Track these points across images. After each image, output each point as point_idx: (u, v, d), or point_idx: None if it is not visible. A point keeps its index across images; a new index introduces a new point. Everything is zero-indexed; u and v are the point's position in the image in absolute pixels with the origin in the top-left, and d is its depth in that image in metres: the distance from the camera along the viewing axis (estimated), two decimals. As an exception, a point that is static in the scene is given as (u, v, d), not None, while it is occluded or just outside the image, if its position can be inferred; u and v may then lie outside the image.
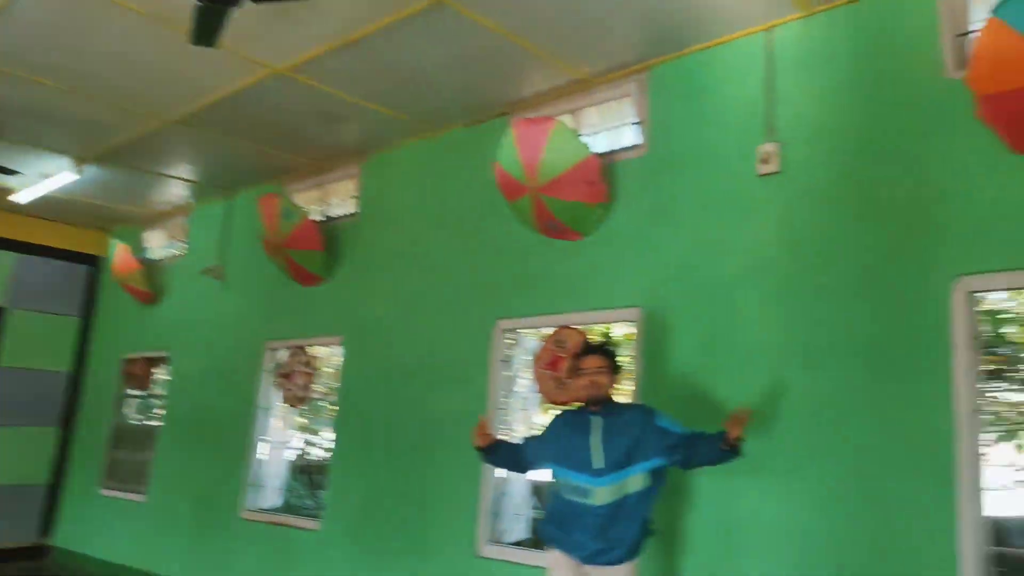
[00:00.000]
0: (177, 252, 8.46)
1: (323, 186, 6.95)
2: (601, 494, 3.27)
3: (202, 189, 7.71)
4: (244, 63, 4.88)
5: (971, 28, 3.72)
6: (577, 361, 3.54)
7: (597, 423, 3.41)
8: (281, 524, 6.28)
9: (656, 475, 3.37)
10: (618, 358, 3.57)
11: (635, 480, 3.28)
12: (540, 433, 3.73)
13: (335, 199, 6.88)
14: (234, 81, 5.16)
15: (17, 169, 6.32)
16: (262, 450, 6.79)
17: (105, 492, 8.25)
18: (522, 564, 4.62)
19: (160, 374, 8.35)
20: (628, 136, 4.87)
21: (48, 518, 8.72)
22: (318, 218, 6.79)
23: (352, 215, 6.60)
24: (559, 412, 3.77)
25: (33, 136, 6.26)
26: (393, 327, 5.91)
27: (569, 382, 4.31)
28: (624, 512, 3.28)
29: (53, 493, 8.78)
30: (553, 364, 4.71)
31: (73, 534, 8.49)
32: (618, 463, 3.28)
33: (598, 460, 3.29)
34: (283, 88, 5.20)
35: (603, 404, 3.45)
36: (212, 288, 7.62)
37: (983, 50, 3.16)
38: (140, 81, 5.23)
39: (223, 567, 6.62)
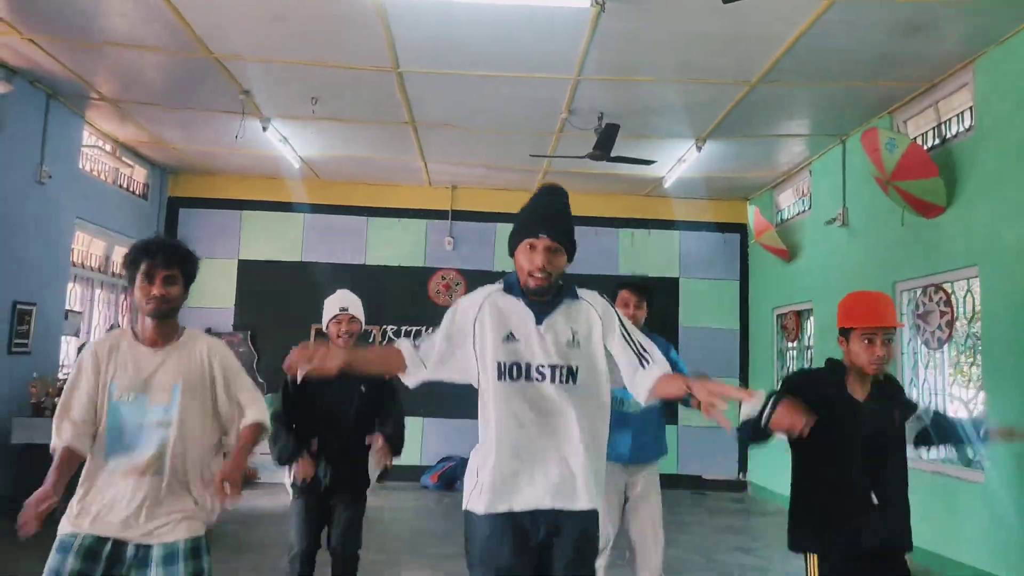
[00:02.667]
0: (804, 207, 8.69)
1: (935, 105, 6.23)
2: (635, 403, 3.39)
3: (816, 141, 7.76)
4: (794, 3, 4.83)
5: None
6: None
7: None
8: (942, 473, 5.90)
9: None
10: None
11: None
12: None
13: (951, 116, 6.09)
14: (793, 25, 5.14)
15: (652, 159, 7.50)
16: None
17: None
18: None
19: (808, 324, 8.69)
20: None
21: (743, 456, 9.96)
22: (930, 142, 6.13)
23: (968, 129, 5.76)
24: None
25: (655, 128, 7.32)
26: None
27: None
28: (650, 419, 4.00)
29: (743, 435, 9.99)
30: None
31: (762, 471, 9.48)
32: None
33: None
34: (849, 13, 4.94)
35: None
36: (839, 236, 7.60)
37: None
38: (710, 55, 5.65)
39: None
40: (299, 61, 6.05)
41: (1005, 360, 5.22)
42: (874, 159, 6.08)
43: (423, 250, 10.01)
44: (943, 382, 6.20)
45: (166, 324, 2.73)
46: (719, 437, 9.95)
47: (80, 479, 2.66)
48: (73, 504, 2.64)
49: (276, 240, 9.86)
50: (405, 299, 9.65)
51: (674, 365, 3.89)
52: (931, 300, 6.15)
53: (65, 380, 6.91)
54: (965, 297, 5.87)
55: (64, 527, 2.62)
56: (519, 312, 2.55)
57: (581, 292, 2.62)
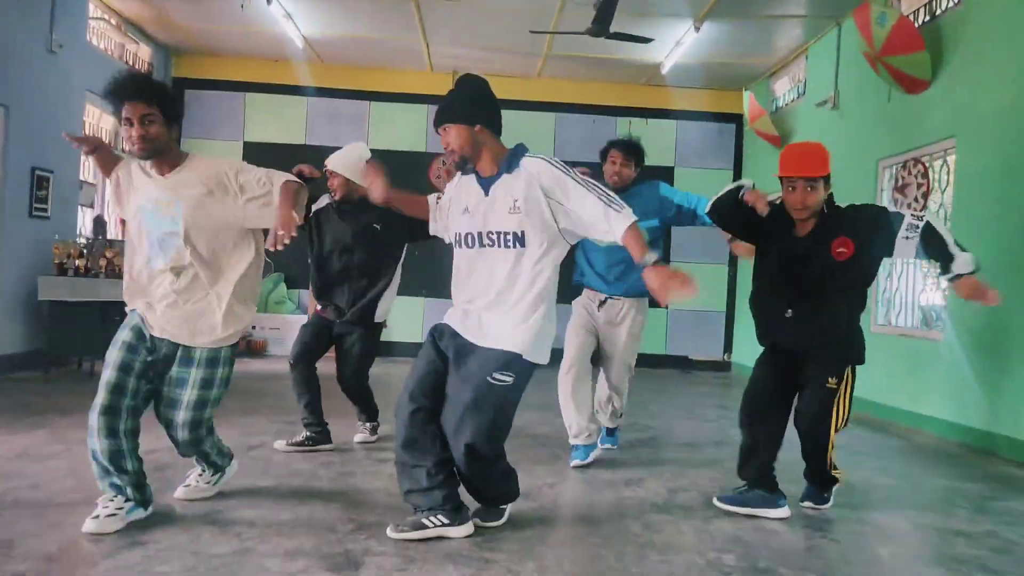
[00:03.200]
0: (799, 94, 8.87)
1: (929, -19, 6.38)
2: None
3: (813, 23, 7.88)
4: None
5: None
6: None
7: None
8: (907, 336, 6.34)
9: (652, 232, 4.04)
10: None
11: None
12: None
13: (942, -8, 6.25)
14: None
15: (650, 37, 7.62)
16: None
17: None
18: None
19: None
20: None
21: (728, 338, 10.46)
22: (921, 19, 6.30)
23: (958, 3, 5.93)
24: None
25: (653, 3, 7.41)
26: (1011, 120, 5.23)
27: None
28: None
29: (729, 318, 10.47)
30: None
31: (746, 352, 9.99)
32: None
33: None
34: None
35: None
36: (829, 118, 7.83)
37: None
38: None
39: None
40: (305, -73, 6.15)
41: (972, 225, 5.56)
42: (865, 34, 6.27)
43: (424, 135, 10.21)
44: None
45: (164, 159, 2.94)
46: (706, 320, 10.44)
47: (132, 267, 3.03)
48: (128, 282, 3.03)
49: (280, 123, 10.04)
50: (406, 183, 9.61)
51: (668, 201, 4.28)
52: (910, 174, 6.46)
53: (84, 246, 7.26)
54: (941, 169, 6.18)
55: (128, 299, 3.05)
56: (472, 187, 2.94)
57: (525, 161, 2.87)
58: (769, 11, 7.58)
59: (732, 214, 3.47)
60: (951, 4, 6.07)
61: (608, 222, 2.75)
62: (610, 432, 4.68)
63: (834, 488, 3.58)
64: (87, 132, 8.03)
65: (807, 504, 3.55)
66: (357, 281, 4.40)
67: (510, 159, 2.88)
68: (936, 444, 5.53)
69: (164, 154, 2.95)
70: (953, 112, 5.89)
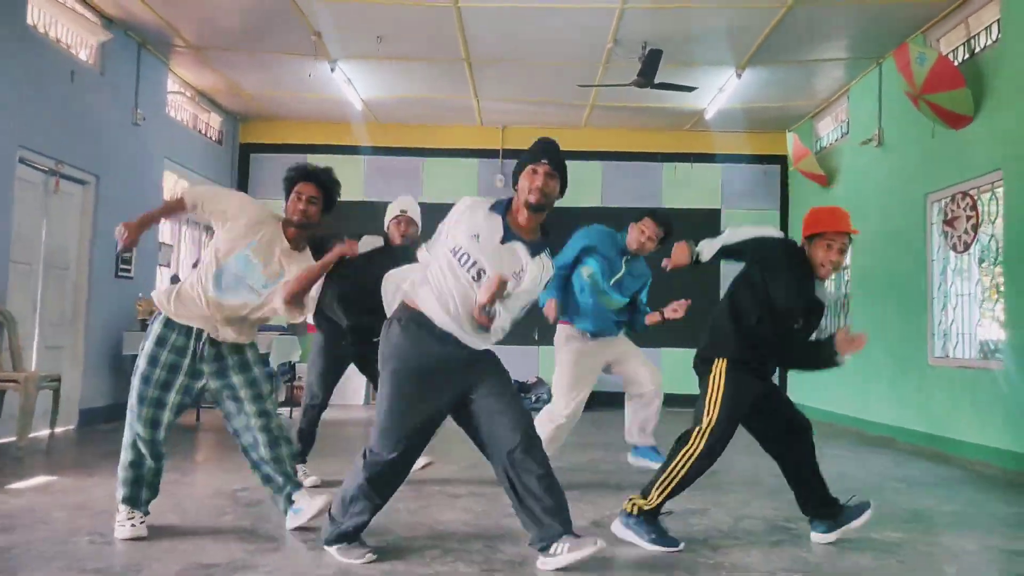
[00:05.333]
0: (842, 133, 9.04)
1: (965, 21, 6.56)
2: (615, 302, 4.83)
3: (854, 64, 8.10)
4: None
5: None
6: None
7: None
8: (966, 367, 6.38)
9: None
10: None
11: None
12: None
13: (980, 31, 6.42)
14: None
15: (694, 85, 7.92)
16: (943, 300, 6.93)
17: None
18: None
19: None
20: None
21: (784, 375, 10.47)
22: (960, 57, 6.47)
23: (996, 41, 6.11)
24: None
25: (697, 55, 7.73)
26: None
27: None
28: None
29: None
30: None
31: (797, 390, 9.97)
32: None
33: None
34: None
35: None
36: (873, 156, 7.97)
37: None
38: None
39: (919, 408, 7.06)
40: (366, 0, 6.64)
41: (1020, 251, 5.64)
42: (905, 74, 6.46)
43: (475, 187, 10.60)
44: (970, 285, 6.61)
45: (300, 236, 3.46)
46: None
47: (182, 289, 3.42)
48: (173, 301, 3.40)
49: (340, 181, 10.54)
50: None
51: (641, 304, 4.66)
52: (958, 207, 6.56)
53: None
54: (989, 201, 6.27)
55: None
56: (492, 225, 2.99)
57: (545, 254, 3.07)
58: (809, 55, 7.83)
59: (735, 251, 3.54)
60: (989, 42, 6.24)
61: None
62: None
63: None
64: (164, 197, 8.60)
65: (861, 519, 3.45)
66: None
67: (542, 243, 3.06)
68: (999, 473, 5.52)
69: (306, 229, 3.46)
70: (997, 145, 6.01)
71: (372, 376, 4.67)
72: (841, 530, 3.43)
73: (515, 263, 2.99)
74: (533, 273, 2.99)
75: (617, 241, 4.68)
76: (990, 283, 6.45)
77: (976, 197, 6.40)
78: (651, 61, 7.10)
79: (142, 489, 3.38)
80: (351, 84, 8.60)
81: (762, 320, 3.36)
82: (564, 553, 2.90)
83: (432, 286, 3.00)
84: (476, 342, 3.03)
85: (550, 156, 3.03)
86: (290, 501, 3.46)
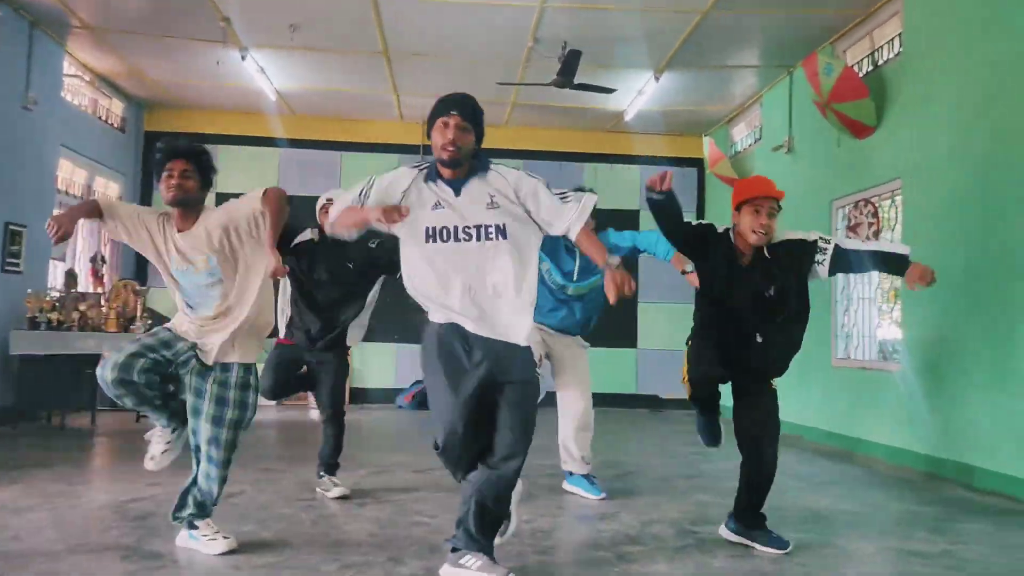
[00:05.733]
0: (756, 139, 9.27)
1: (870, 34, 6.80)
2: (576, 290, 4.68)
3: (766, 73, 8.29)
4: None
5: None
6: None
7: None
8: (866, 368, 6.60)
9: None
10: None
11: None
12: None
13: (883, 44, 6.66)
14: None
15: (613, 87, 7.97)
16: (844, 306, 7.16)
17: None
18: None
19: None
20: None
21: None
22: (865, 69, 6.70)
23: (898, 55, 6.34)
24: None
25: (616, 57, 7.75)
26: (951, 162, 5.58)
27: None
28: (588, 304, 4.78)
29: (694, 359, 10.69)
30: None
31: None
32: None
33: None
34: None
35: None
36: (784, 162, 8.19)
37: None
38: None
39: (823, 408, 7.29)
40: (278, -13, 6.39)
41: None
42: (813, 83, 6.64)
43: (395, 183, 10.41)
44: (871, 289, 6.87)
45: (189, 212, 3.24)
46: (676, 359, 10.61)
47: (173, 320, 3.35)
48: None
49: (253, 174, 10.10)
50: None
51: (619, 248, 4.51)
52: (861, 213, 6.79)
53: (56, 299, 7.28)
54: (890, 208, 6.51)
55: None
56: (439, 191, 2.90)
57: (494, 165, 3.00)
58: (724, 61, 7.97)
59: (679, 226, 3.48)
60: (892, 55, 6.48)
61: (560, 210, 2.92)
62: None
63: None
64: (58, 186, 8.10)
65: (769, 550, 3.45)
66: (329, 311, 4.46)
67: (477, 167, 2.95)
68: (894, 471, 5.74)
69: (189, 206, 3.24)
70: (897, 155, 6.24)
71: (315, 386, 4.58)
72: (745, 540, 3.51)
73: (481, 198, 2.89)
74: (500, 184, 2.91)
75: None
76: (889, 287, 6.72)
77: (877, 204, 6.64)
78: (570, 61, 7.08)
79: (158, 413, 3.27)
80: (264, 74, 8.29)
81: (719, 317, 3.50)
82: (473, 569, 2.83)
83: (425, 295, 2.91)
84: (485, 325, 2.86)
85: (460, 107, 2.89)
86: (192, 526, 3.27)
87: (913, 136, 6.06)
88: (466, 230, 2.87)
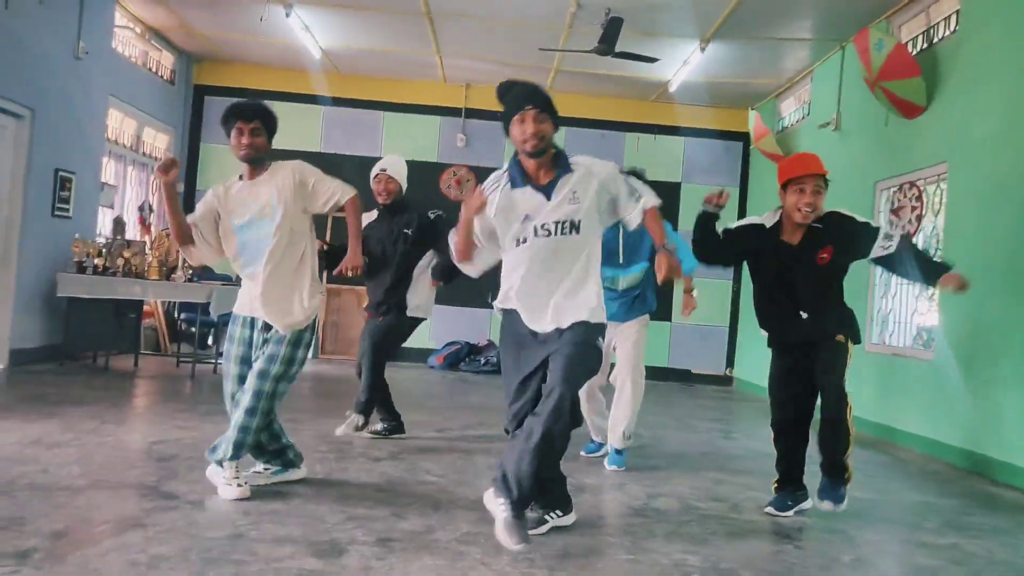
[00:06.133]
0: (803, 115, 9.02)
1: (927, 10, 6.53)
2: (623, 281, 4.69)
3: (818, 46, 8.04)
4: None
5: None
6: None
7: None
8: (899, 355, 6.47)
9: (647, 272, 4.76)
10: None
11: None
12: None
13: (939, 20, 6.40)
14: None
15: (656, 57, 7.81)
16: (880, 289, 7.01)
17: (761, 333, 9.58)
18: None
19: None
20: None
21: (731, 353, 10.59)
22: (919, 46, 6.45)
23: (953, 32, 6.09)
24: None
25: (661, 24, 7.60)
26: (1000, 147, 5.37)
27: None
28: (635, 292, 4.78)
29: (732, 333, 10.61)
30: None
31: (748, 367, 10.11)
32: None
33: None
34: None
35: None
36: (831, 140, 7.97)
37: None
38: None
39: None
40: (323, -55, 6.40)
41: (962, 249, 5.68)
42: (864, 59, 6.42)
43: (436, 146, 10.44)
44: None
45: (257, 166, 3.50)
46: (709, 335, 10.58)
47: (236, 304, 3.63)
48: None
49: (297, 131, 10.24)
50: (417, 192, 10.03)
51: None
52: (905, 196, 6.60)
53: (103, 245, 7.53)
54: (935, 193, 6.31)
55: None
56: (529, 198, 3.04)
57: (575, 161, 3.12)
58: (775, 33, 7.74)
59: (716, 245, 3.71)
60: (947, 33, 6.22)
61: (631, 205, 3.12)
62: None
63: (846, 488, 3.66)
64: (108, 136, 8.32)
65: (826, 504, 3.61)
66: (384, 278, 4.78)
67: (561, 162, 3.08)
68: (921, 462, 5.64)
69: (259, 162, 3.49)
70: (945, 138, 6.02)
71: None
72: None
73: (565, 194, 3.03)
74: (583, 185, 3.03)
75: None
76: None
77: (922, 188, 6.44)
78: (611, 29, 6.96)
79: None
80: (308, 31, 8.34)
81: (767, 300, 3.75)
82: (499, 517, 2.84)
83: (520, 297, 3.08)
84: (547, 319, 3.03)
85: (531, 99, 3.01)
86: (219, 465, 3.39)
87: (963, 119, 5.84)
88: (544, 227, 3.03)
